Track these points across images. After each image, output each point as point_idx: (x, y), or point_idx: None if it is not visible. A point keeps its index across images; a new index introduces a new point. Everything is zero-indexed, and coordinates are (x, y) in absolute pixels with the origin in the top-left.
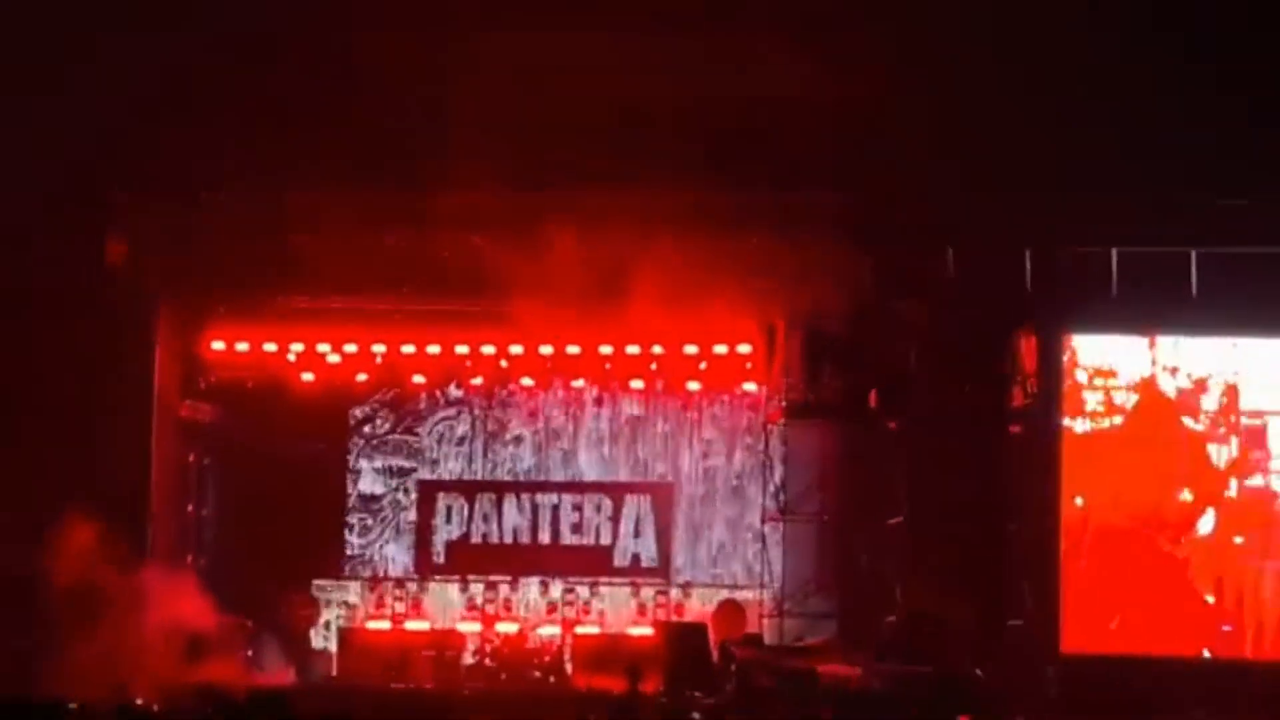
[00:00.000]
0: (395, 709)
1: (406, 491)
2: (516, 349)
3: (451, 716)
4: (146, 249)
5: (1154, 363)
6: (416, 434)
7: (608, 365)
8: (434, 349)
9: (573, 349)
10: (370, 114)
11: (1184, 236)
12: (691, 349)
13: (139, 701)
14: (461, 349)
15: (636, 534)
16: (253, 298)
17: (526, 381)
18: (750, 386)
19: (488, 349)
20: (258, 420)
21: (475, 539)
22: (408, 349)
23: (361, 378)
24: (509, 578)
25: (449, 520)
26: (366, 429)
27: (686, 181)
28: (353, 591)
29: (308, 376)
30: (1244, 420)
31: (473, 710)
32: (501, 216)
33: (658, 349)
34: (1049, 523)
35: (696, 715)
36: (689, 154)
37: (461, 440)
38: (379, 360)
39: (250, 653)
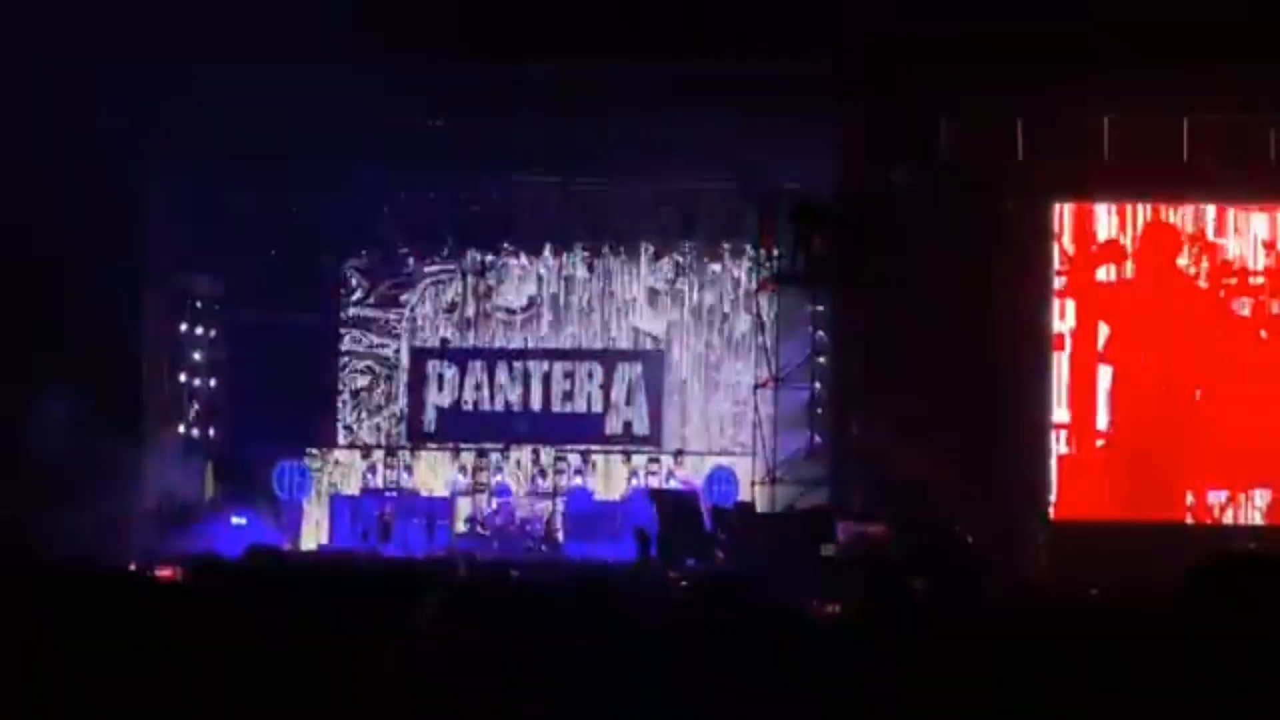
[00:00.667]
0: (387, 575)
1: (398, 360)
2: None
3: (443, 583)
4: (141, 119)
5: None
6: (405, 300)
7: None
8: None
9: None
10: None
11: (1176, 105)
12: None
13: (132, 568)
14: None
15: (628, 401)
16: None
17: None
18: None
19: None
20: (252, 288)
21: (467, 406)
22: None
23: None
24: (500, 446)
25: (440, 387)
26: (358, 295)
27: (675, 51)
28: (345, 459)
29: None
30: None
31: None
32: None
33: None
34: (1039, 387)
35: (685, 583)
36: (681, 23)
37: (452, 307)
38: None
39: (242, 521)
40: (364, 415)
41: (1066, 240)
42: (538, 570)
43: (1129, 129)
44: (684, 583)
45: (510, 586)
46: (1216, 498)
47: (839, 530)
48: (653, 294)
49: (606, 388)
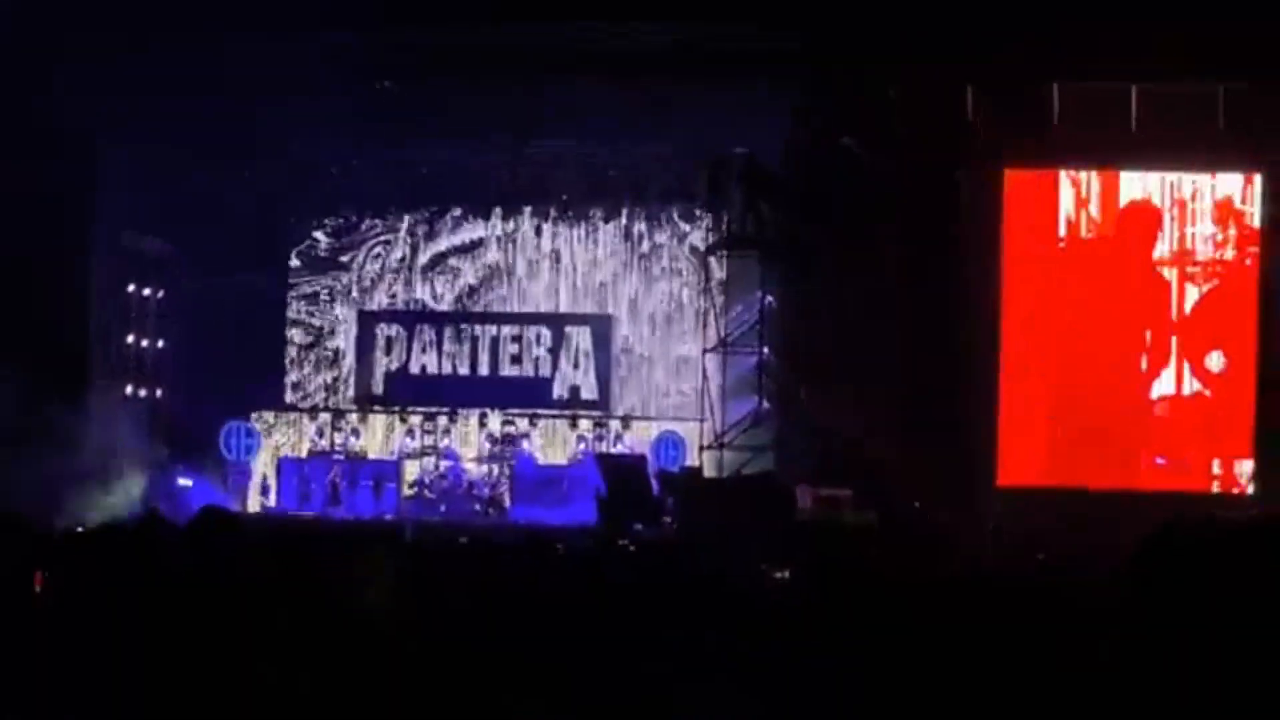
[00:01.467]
0: (336, 537)
1: (347, 322)
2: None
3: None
4: (94, 85)
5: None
6: (354, 264)
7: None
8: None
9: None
10: None
11: (1125, 71)
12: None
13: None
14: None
15: (576, 366)
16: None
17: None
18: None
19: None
20: (201, 251)
21: (414, 370)
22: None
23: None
24: (448, 409)
25: (389, 351)
26: (306, 258)
27: (627, 16)
28: (293, 422)
29: None
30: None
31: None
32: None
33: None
34: (989, 356)
35: (632, 547)
36: None
37: (399, 270)
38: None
39: (188, 482)
40: (312, 378)
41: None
42: (485, 534)
43: (1079, 96)
44: (631, 547)
45: (457, 551)
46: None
47: (800, 495)
48: (601, 258)
49: (555, 352)
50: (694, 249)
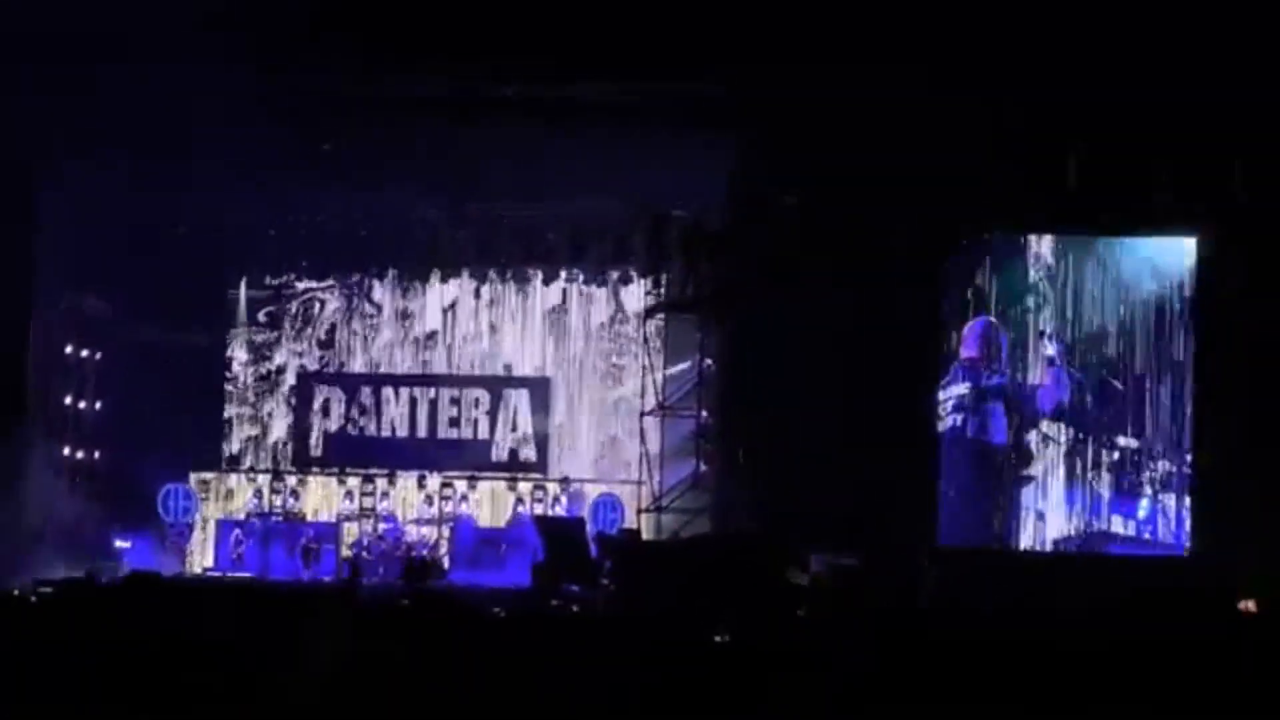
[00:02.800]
0: (269, 598)
1: (285, 383)
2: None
3: (328, 609)
4: (30, 146)
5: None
6: (293, 324)
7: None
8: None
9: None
10: None
11: (1063, 132)
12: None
13: (15, 592)
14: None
15: (515, 428)
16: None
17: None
18: (630, 280)
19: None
20: (141, 309)
21: (353, 432)
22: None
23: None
24: (386, 471)
25: (327, 413)
26: (245, 316)
27: (566, 74)
28: (231, 483)
29: None
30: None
31: (351, 603)
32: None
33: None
34: (926, 416)
35: (575, 608)
36: (573, 46)
37: (337, 331)
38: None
39: (127, 543)
40: (251, 438)
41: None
42: (424, 597)
43: (1016, 157)
44: (574, 608)
45: (398, 613)
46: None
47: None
48: (540, 320)
49: (493, 414)
50: (633, 311)
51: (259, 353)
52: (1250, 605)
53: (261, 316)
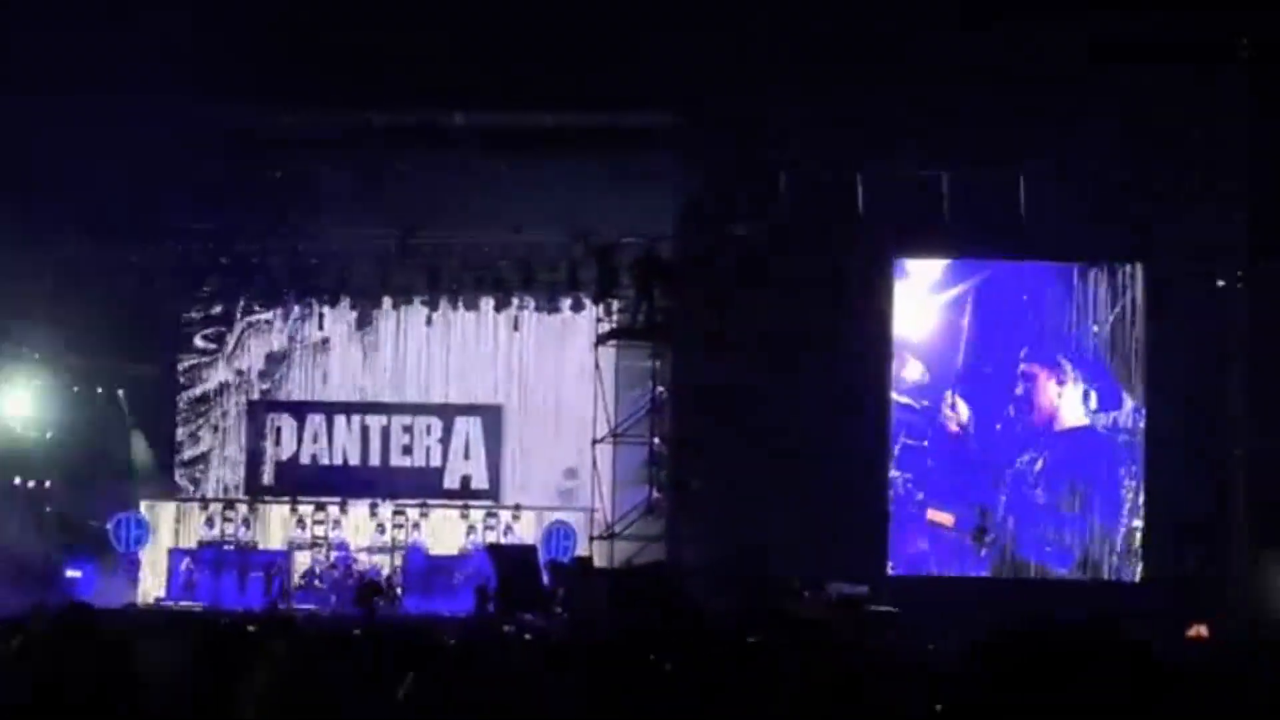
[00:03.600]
0: (214, 630)
1: (237, 412)
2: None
3: (279, 639)
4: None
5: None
6: (244, 352)
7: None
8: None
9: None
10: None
11: (1014, 162)
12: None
13: None
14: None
15: (467, 456)
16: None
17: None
18: (581, 308)
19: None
20: (89, 339)
21: (305, 460)
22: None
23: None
24: (339, 499)
25: (279, 441)
26: (195, 345)
27: (517, 102)
28: (183, 512)
29: None
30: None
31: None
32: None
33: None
34: (878, 446)
35: (528, 635)
36: (525, 74)
37: (288, 359)
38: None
39: (78, 573)
40: (203, 467)
41: (907, 294)
42: (376, 625)
43: (969, 185)
44: (526, 635)
45: (348, 642)
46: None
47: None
48: (492, 348)
49: (445, 442)
50: (585, 339)
51: (210, 381)
52: (1202, 630)
53: (212, 345)
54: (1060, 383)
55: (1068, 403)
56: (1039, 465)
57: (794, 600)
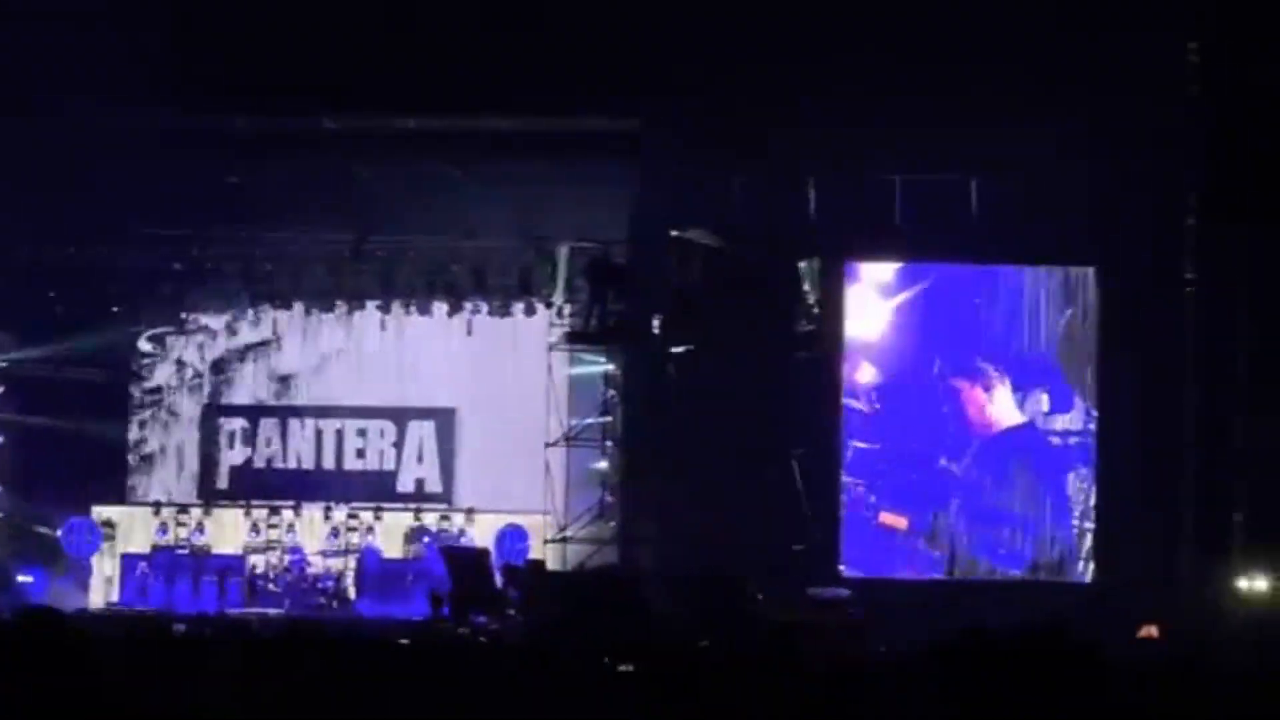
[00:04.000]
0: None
1: (189, 416)
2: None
3: (235, 641)
4: None
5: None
6: (197, 356)
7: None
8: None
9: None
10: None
11: (965, 165)
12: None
13: None
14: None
15: (420, 459)
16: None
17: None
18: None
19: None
20: (40, 343)
21: (259, 464)
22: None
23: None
24: (293, 503)
25: (232, 445)
26: (148, 349)
27: (472, 106)
28: (136, 517)
29: None
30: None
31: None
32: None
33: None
34: (830, 447)
35: (484, 639)
36: (480, 78)
37: (242, 363)
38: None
39: (29, 579)
40: (155, 471)
41: (859, 298)
42: (331, 629)
43: (920, 189)
44: (481, 639)
45: (307, 644)
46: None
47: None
48: (445, 351)
49: (399, 445)
50: (538, 343)
51: (163, 385)
52: (1152, 631)
53: (164, 349)
54: (1012, 386)
55: (1009, 405)
56: (986, 467)
57: (762, 605)
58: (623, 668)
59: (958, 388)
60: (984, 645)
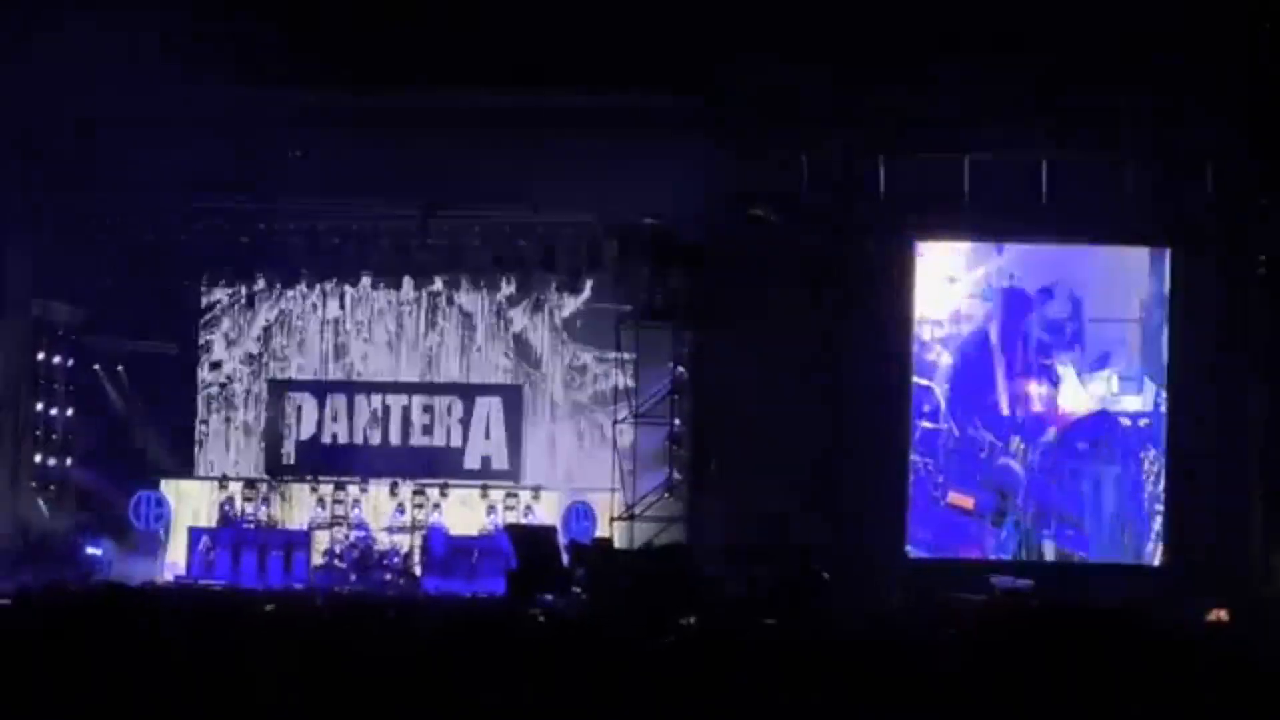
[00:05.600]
0: (240, 609)
1: (257, 390)
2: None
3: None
4: (9, 146)
5: (1001, 269)
6: (264, 331)
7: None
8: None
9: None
10: None
11: (1035, 145)
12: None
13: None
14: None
15: (487, 436)
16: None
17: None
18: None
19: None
20: (112, 317)
21: (325, 439)
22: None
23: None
24: (359, 479)
25: (299, 420)
26: (216, 324)
27: (540, 80)
28: (203, 491)
29: None
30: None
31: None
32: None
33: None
34: (897, 427)
35: (541, 617)
36: (548, 53)
37: (308, 338)
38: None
39: (98, 551)
40: (224, 445)
41: (928, 278)
42: (395, 605)
43: (990, 169)
44: (540, 618)
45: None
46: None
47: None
48: (512, 328)
49: (465, 422)
50: (605, 320)
51: (231, 359)
52: (1222, 614)
53: (232, 324)
54: (1079, 367)
55: (1084, 387)
56: (1055, 449)
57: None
58: (684, 645)
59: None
60: (1062, 625)
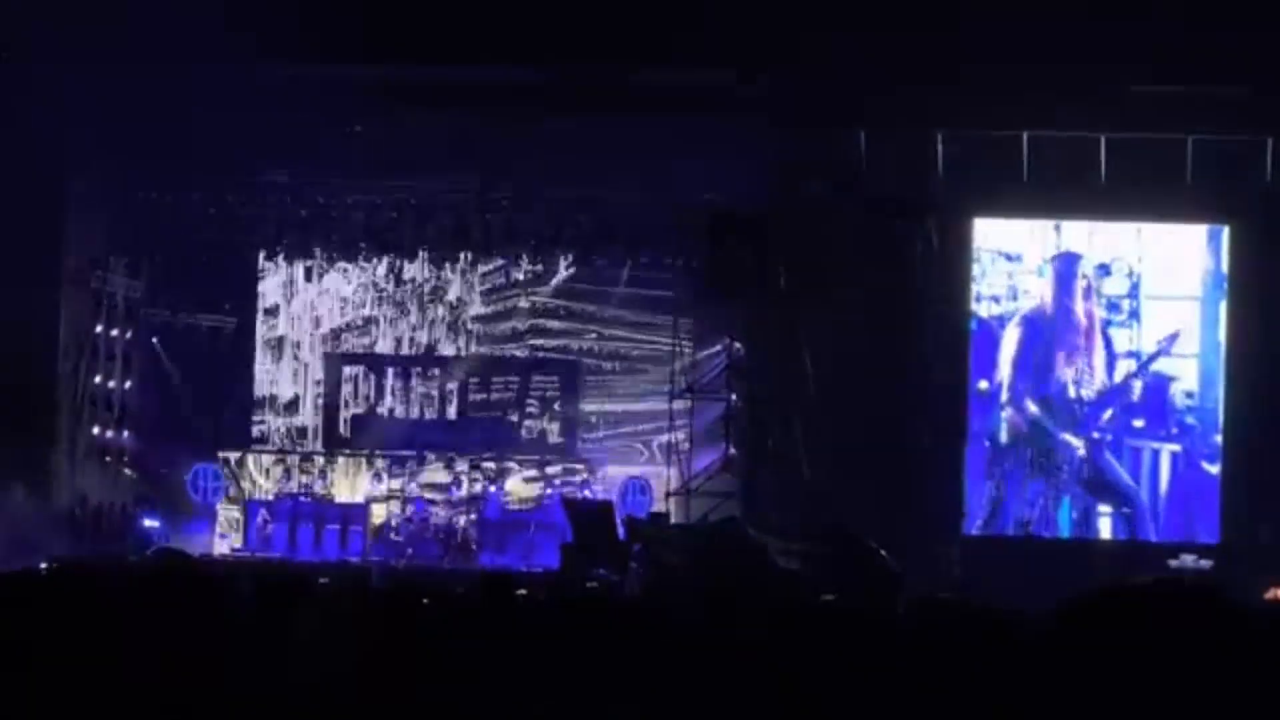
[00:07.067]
0: (296, 581)
1: (314, 364)
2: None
3: (356, 590)
4: (71, 119)
5: (1059, 247)
6: (321, 305)
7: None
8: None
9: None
10: None
11: (1094, 122)
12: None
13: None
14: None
15: (543, 410)
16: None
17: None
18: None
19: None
20: (170, 290)
21: (382, 412)
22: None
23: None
24: (414, 453)
25: (355, 394)
26: (273, 298)
27: (597, 57)
28: (260, 464)
29: None
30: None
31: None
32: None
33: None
34: (955, 405)
35: (599, 592)
36: (605, 31)
37: (366, 312)
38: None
39: (155, 523)
40: (280, 418)
41: (984, 255)
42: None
43: (1048, 146)
44: (592, 584)
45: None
46: None
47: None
48: (569, 304)
49: (521, 397)
50: (663, 296)
51: (288, 333)
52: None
53: (290, 297)
54: (1137, 344)
55: (1142, 365)
56: (1115, 426)
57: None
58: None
59: (1085, 349)
60: (1128, 604)
